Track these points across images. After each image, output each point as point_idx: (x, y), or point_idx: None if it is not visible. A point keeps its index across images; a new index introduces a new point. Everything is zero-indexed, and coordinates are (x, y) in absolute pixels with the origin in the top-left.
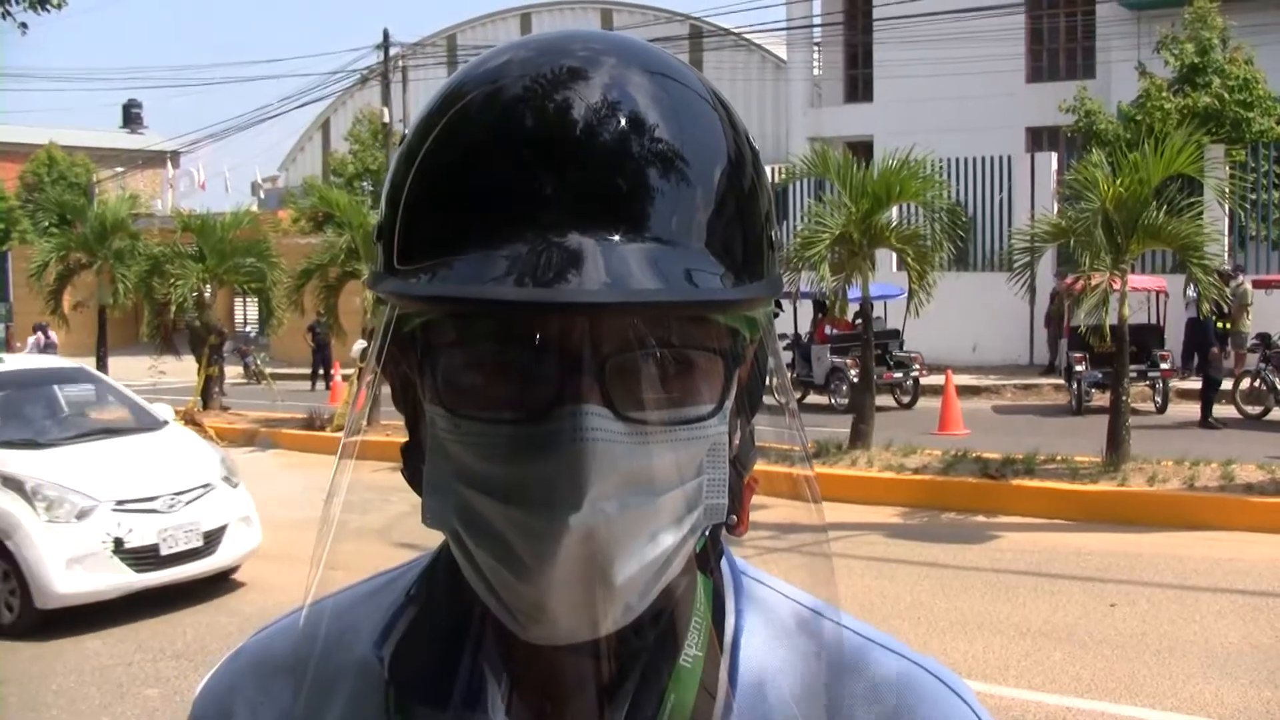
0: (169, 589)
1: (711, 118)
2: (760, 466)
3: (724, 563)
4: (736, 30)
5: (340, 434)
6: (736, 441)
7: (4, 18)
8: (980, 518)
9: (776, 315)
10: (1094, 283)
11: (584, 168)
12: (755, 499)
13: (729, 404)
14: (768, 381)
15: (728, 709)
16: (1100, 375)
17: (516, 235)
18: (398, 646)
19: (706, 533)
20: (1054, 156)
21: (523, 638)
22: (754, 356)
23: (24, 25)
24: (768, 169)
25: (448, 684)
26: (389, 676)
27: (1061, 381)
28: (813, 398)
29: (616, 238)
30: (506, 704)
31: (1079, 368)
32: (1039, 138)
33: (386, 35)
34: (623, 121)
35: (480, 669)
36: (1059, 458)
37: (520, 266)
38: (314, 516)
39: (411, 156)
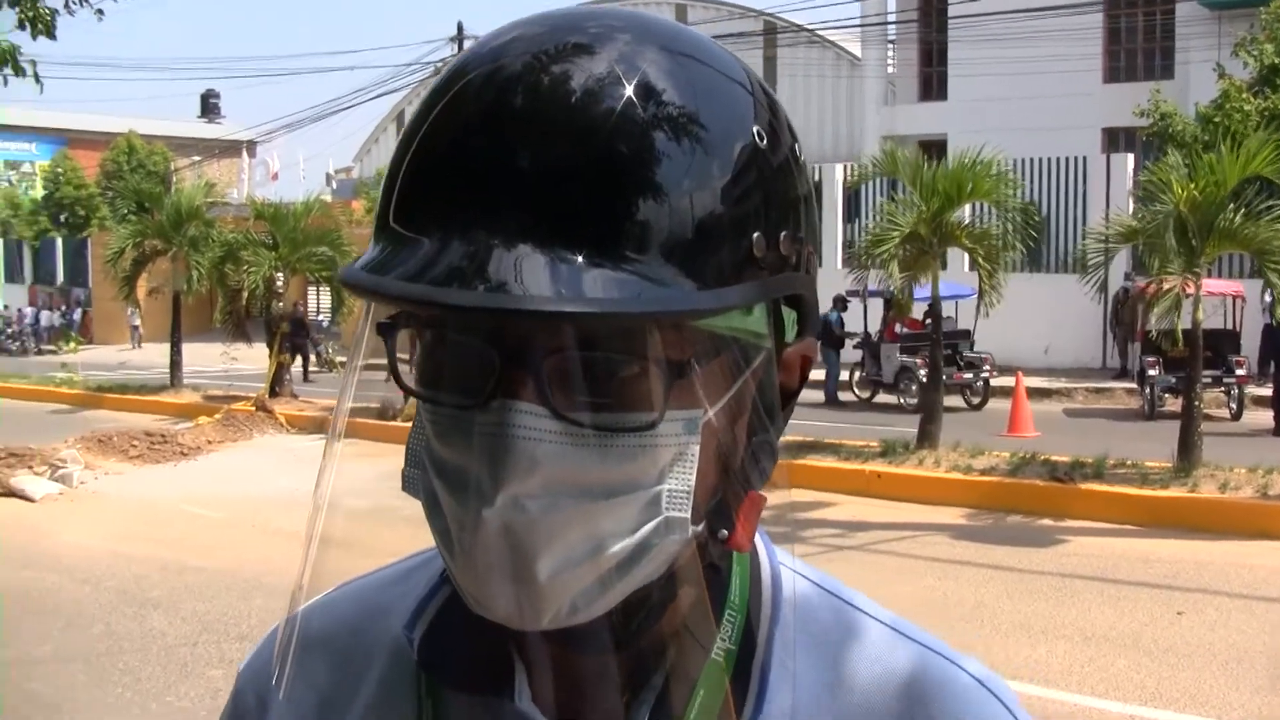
0: (237, 572)
1: (733, 105)
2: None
3: (765, 556)
4: (810, 27)
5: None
6: (740, 455)
7: (81, 4)
8: (1047, 521)
9: (842, 308)
10: (1166, 286)
11: (553, 160)
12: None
13: (701, 414)
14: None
15: (759, 704)
16: (1173, 380)
17: (467, 229)
18: (428, 629)
19: (703, 539)
20: (1130, 158)
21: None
22: (759, 368)
23: (100, 12)
24: (839, 167)
25: (476, 668)
26: (419, 659)
27: (1134, 386)
28: (881, 396)
29: (571, 241)
30: (533, 690)
31: (1152, 372)
32: (1116, 138)
33: (460, 27)
34: (609, 108)
35: (508, 654)
36: (1129, 462)
37: (462, 264)
38: (385, 505)
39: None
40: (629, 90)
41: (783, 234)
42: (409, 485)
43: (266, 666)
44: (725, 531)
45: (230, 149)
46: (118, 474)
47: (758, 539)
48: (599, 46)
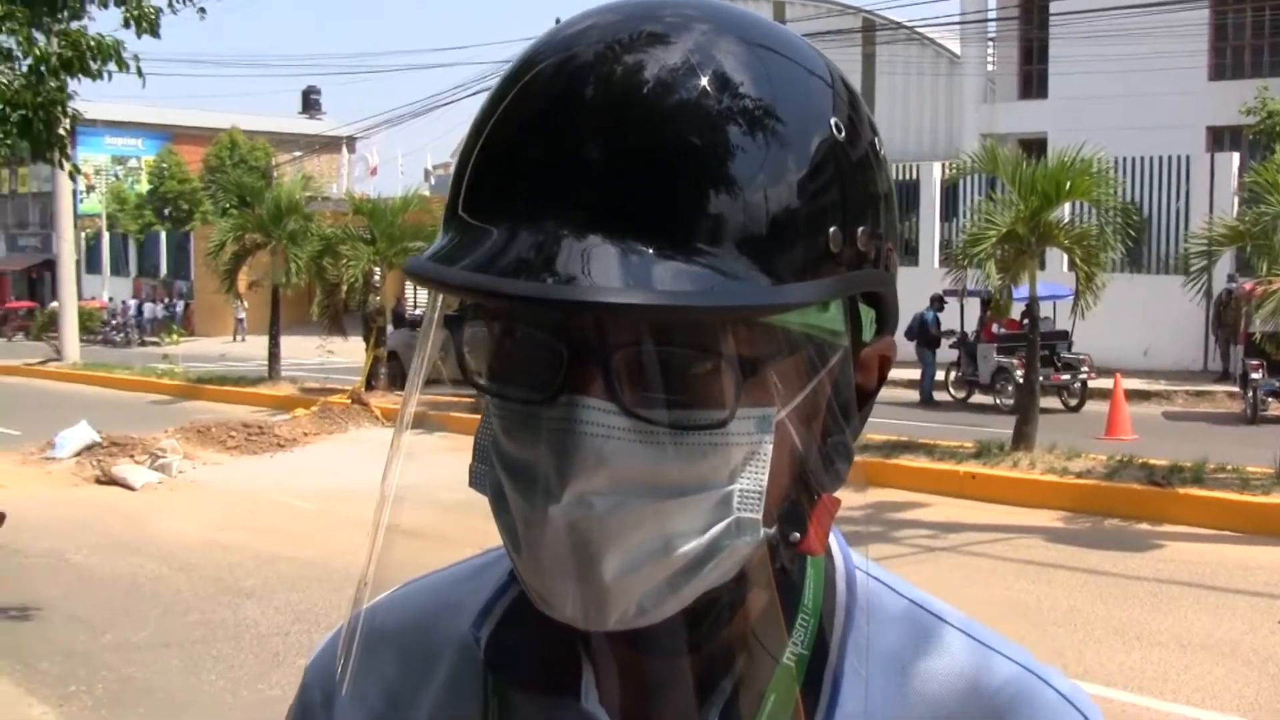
0: (329, 563)
1: (811, 98)
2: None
3: (840, 559)
4: (909, 24)
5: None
6: (814, 456)
7: (185, 2)
8: (1144, 526)
9: (939, 307)
10: (1274, 288)
11: (624, 150)
12: None
13: (774, 413)
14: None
15: (830, 711)
16: (1277, 384)
17: (535, 219)
18: (496, 628)
19: (774, 542)
20: (1235, 157)
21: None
22: (836, 367)
23: (202, 10)
24: (937, 166)
25: (543, 668)
26: (485, 658)
27: (1236, 389)
28: (977, 397)
29: (641, 232)
30: (600, 692)
31: (1255, 375)
32: (1220, 137)
33: (558, 22)
34: (683, 99)
35: (576, 655)
36: (1230, 467)
37: (529, 255)
38: (476, 499)
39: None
40: (704, 81)
41: (860, 229)
42: (476, 481)
43: (334, 662)
44: (797, 535)
45: (330, 144)
46: (215, 464)
47: (833, 541)
48: (674, 36)
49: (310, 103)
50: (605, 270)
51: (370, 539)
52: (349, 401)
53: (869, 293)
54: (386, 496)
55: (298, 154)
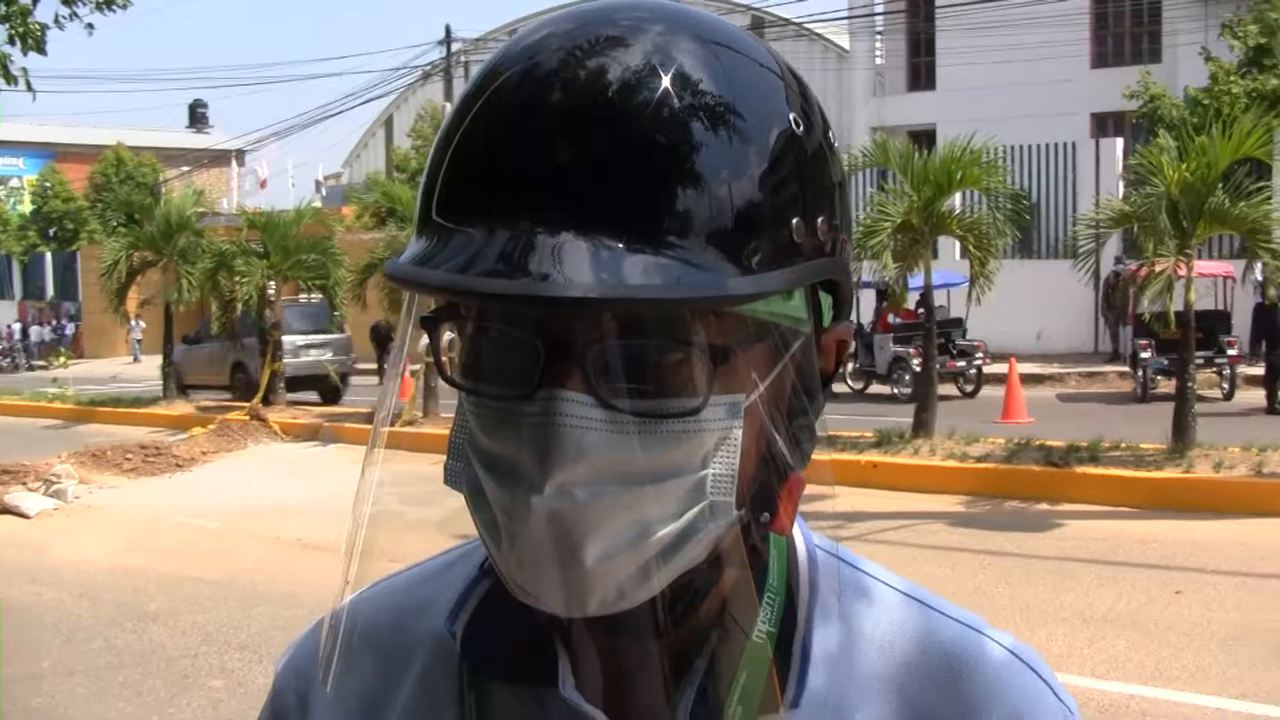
0: (235, 582)
1: (769, 92)
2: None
3: (802, 541)
4: (798, 20)
5: (409, 428)
6: (782, 438)
7: (71, 19)
8: (1044, 505)
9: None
10: (1159, 269)
11: (593, 150)
12: None
13: (743, 399)
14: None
15: (801, 685)
16: (1166, 362)
17: (510, 220)
18: (470, 621)
19: (746, 523)
20: (1119, 142)
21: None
22: (799, 352)
23: (90, 26)
24: None
25: (519, 659)
26: (462, 652)
27: (1126, 369)
28: (875, 387)
29: (612, 228)
30: (577, 679)
31: (1144, 354)
32: (1104, 124)
33: (449, 31)
34: (646, 99)
35: (551, 644)
36: (1124, 445)
37: (506, 255)
38: (377, 511)
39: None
40: (665, 80)
41: (820, 219)
42: (451, 479)
43: (308, 665)
44: (767, 515)
45: (219, 158)
46: (113, 488)
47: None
48: (632, 39)
49: (197, 116)
50: (578, 266)
51: (349, 538)
52: (247, 418)
53: (827, 280)
54: (365, 494)
55: (186, 169)
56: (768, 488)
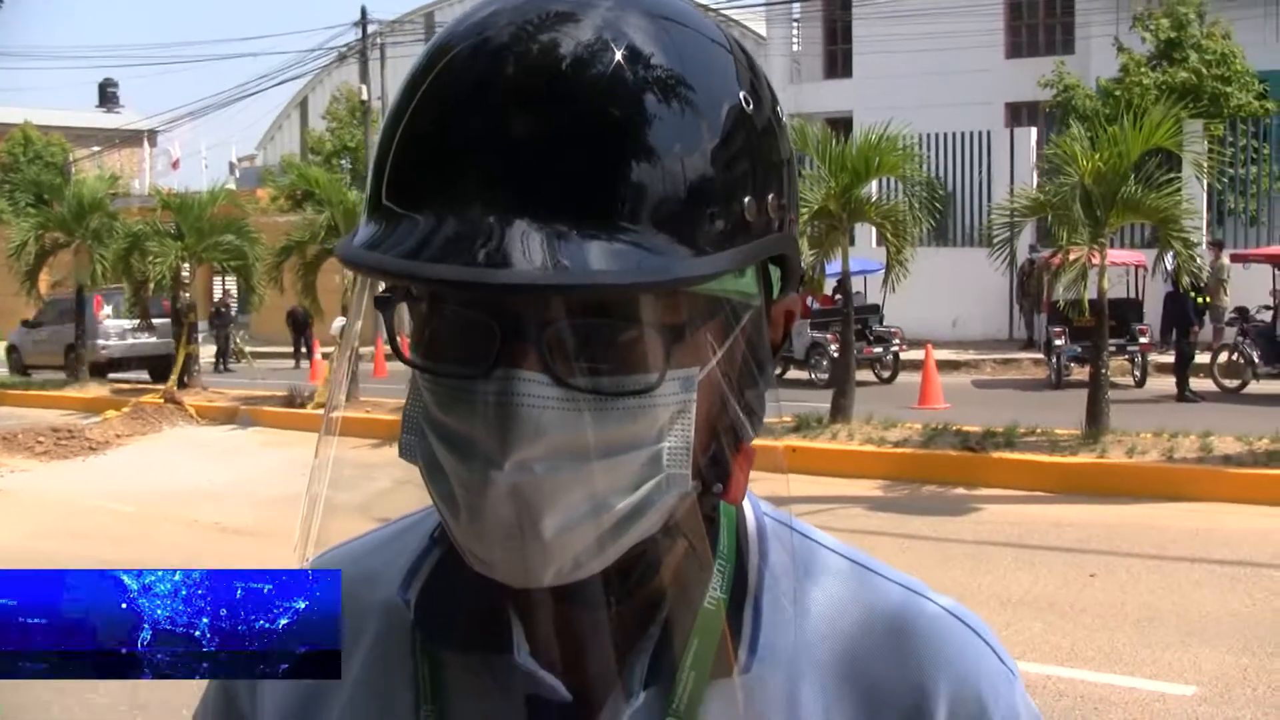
0: (151, 564)
1: (720, 68)
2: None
3: (751, 510)
4: (715, 7)
5: (320, 410)
6: (734, 409)
7: None
8: (960, 490)
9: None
10: (1072, 257)
11: (547, 129)
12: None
13: (697, 373)
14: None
15: (752, 650)
16: (1079, 349)
17: (464, 204)
18: (423, 589)
19: (700, 493)
20: (1033, 132)
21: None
22: (749, 325)
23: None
24: None
25: (473, 627)
26: (415, 620)
27: (1041, 356)
28: (793, 373)
29: (567, 213)
30: (531, 646)
31: (1058, 342)
32: (1019, 113)
33: (364, 12)
34: (599, 74)
35: (504, 611)
36: (1039, 430)
37: (459, 239)
38: (295, 493)
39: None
40: (618, 56)
41: (770, 196)
42: (406, 452)
43: None
44: (720, 485)
45: (131, 139)
46: (25, 471)
47: None
48: (582, 14)
49: (108, 95)
50: (533, 253)
51: (304, 508)
52: (162, 401)
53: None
54: (324, 464)
55: (96, 149)
56: (720, 458)
